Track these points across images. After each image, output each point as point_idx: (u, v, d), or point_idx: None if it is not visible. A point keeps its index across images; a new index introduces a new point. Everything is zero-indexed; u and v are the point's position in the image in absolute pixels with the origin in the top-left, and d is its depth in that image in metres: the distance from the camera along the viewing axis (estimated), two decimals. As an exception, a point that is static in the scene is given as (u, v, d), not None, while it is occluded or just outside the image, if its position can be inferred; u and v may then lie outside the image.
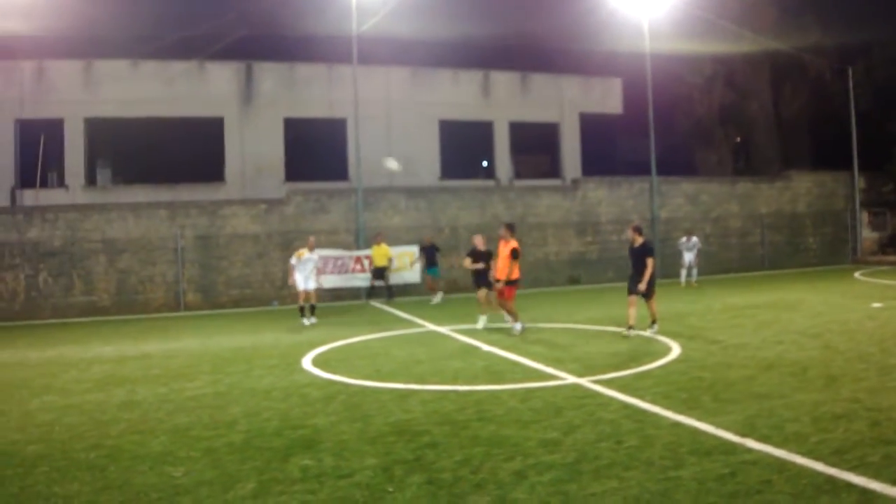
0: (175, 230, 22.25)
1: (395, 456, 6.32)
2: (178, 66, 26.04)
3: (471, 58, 30.03)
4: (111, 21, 25.47)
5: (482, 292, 15.22)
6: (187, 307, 22.14)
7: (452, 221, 24.99)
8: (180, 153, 25.78)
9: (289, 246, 22.17)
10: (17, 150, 25.29)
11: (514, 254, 13.74)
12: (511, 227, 14.36)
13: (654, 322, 13.21)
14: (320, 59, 27.12)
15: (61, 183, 25.38)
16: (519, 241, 14.90)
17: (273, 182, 25.43)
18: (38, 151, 25.88)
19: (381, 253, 22.24)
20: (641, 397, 8.07)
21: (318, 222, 23.58)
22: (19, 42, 24.30)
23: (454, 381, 9.44)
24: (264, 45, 27.80)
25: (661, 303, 14.07)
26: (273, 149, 25.98)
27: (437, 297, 21.61)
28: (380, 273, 22.32)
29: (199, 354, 12.95)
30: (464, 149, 29.57)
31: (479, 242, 15.61)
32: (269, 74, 26.71)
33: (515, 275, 13.86)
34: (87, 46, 26.07)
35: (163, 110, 25.36)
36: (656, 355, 10.82)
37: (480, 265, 15.32)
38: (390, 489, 5.51)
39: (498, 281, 13.91)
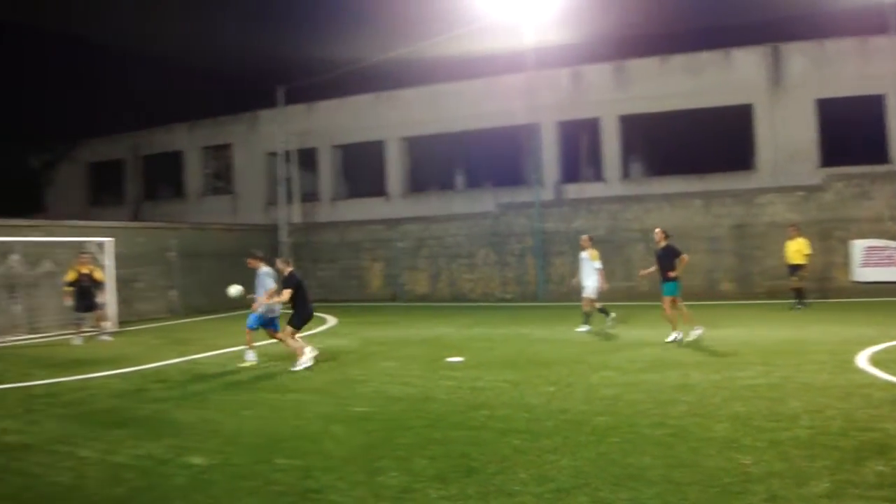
0: (710, 219, 22.56)
1: None
2: (704, 57, 26.20)
3: None
4: (640, 22, 26.57)
5: None
6: (722, 296, 22.31)
7: None
8: (709, 143, 25.97)
9: (828, 236, 21.02)
10: (560, 149, 27.89)
11: None
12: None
13: None
14: (852, 33, 25.05)
15: (599, 177, 27.31)
16: None
17: (806, 168, 24.23)
18: (578, 149, 28.27)
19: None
20: None
21: (860, 210, 21.92)
22: (558, 52, 26.73)
23: None
24: (791, 25, 26.58)
25: None
26: (805, 132, 24.72)
27: None
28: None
29: (745, 343, 13.02)
30: None
31: None
32: (797, 55, 25.44)
33: None
34: (618, 48, 27.56)
35: (691, 102, 25.71)
36: None
37: None
38: None
39: None
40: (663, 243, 14.07)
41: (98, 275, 17.93)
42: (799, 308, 18.97)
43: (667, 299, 13.90)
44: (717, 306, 20.56)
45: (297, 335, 12.55)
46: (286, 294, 12.06)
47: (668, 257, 13.88)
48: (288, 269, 12.53)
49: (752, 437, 6.94)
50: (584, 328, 16.06)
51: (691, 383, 9.58)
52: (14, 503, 6.01)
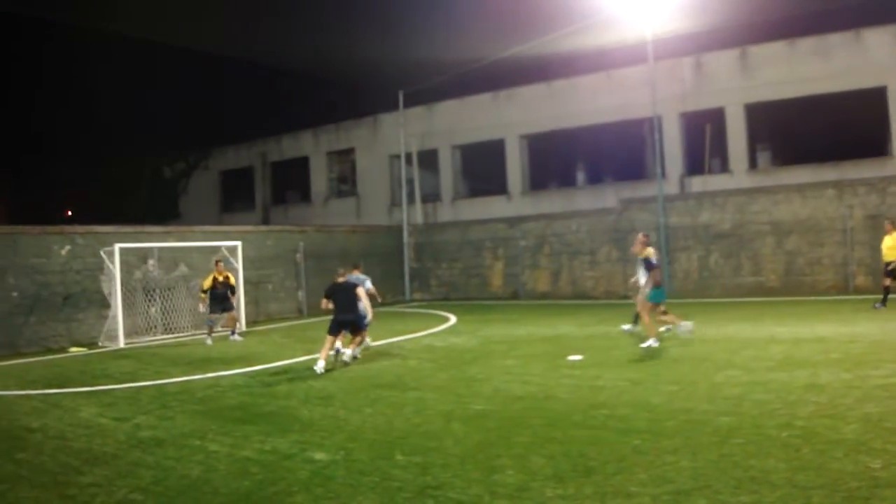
0: (843, 210, 21.63)
1: None
2: (833, 39, 25.05)
3: None
4: (763, 5, 25.57)
5: None
6: (856, 290, 21.33)
7: None
8: (841, 130, 24.81)
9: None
10: (683, 141, 27.29)
11: None
12: None
13: None
14: None
15: (725, 168, 26.56)
16: None
17: (951, 152, 22.84)
18: (703, 140, 27.59)
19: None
20: None
21: None
22: (679, 40, 26.11)
23: None
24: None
25: None
26: (946, 112, 23.27)
27: None
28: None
29: (879, 341, 12.46)
30: None
31: None
32: (933, 32, 23.98)
33: None
34: (742, 34, 26.69)
35: (820, 87, 24.63)
36: None
37: None
38: None
39: None
40: (643, 254, 13.53)
41: (232, 280, 18.80)
42: (878, 308, 17.55)
43: (647, 305, 13.44)
44: (852, 301, 19.71)
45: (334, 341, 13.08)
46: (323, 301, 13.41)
47: (646, 268, 13.46)
48: (339, 278, 13.47)
49: (883, 439, 6.69)
50: (627, 327, 15.56)
51: (821, 383, 9.27)
52: (146, 495, 6.37)
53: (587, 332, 16.08)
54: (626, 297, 24.82)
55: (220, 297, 18.18)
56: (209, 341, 17.91)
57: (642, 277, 14.06)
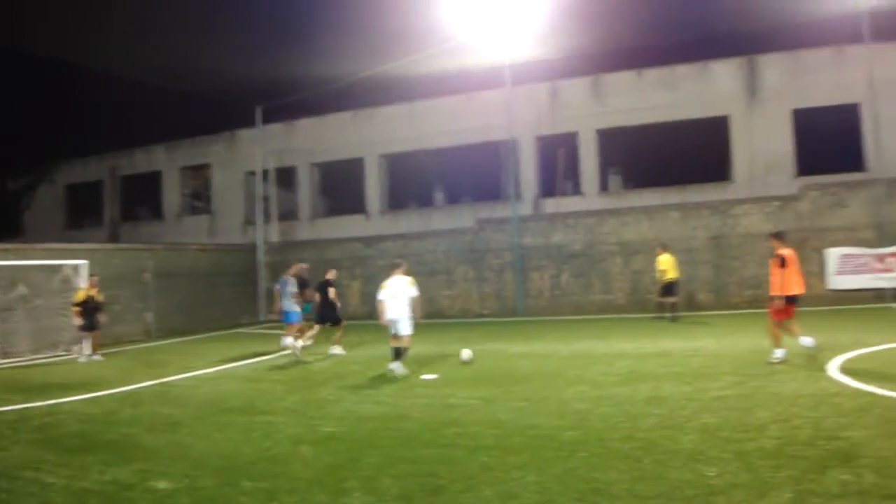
0: (687, 231, 22.69)
1: (946, 480, 5.70)
2: (681, 70, 26.38)
3: None
4: (616, 36, 26.67)
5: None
6: (698, 307, 22.37)
7: None
8: (687, 155, 26.09)
9: (803, 245, 21.11)
10: (538, 164, 27.96)
11: (782, 262, 11.47)
12: (778, 236, 12.12)
13: None
14: (826, 43, 25.28)
15: (577, 191, 27.38)
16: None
17: (783, 178, 24.37)
18: (557, 163, 28.37)
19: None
20: None
21: (834, 218, 22.14)
22: (535, 67, 26.84)
23: None
24: (766, 37, 26.77)
25: None
26: (781, 143, 24.86)
27: None
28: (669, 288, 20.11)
29: (718, 355, 13.03)
30: None
31: None
32: (773, 66, 25.62)
33: (790, 289, 11.57)
34: (595, 63, 27.69)
35: (668, 115, 25.85)
36: None
37: None
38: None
39: (772, 298, 11.66)
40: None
41: (99, 297, 18.37)
42: (663, 320, 19.49)
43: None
44: (694, 317, 20.65)
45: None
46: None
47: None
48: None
49: (718, 448, 6.94)
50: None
51: (662, 395, 9.57)
52: (-30, 534, 5.88)
53: (442, 351, 16.05)
54: (479, 315, 25.18)
55: (90, 313, 17.82)
56: (82, 360, 17.44)
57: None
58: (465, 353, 13.85)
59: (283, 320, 17.26)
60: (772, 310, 11.88)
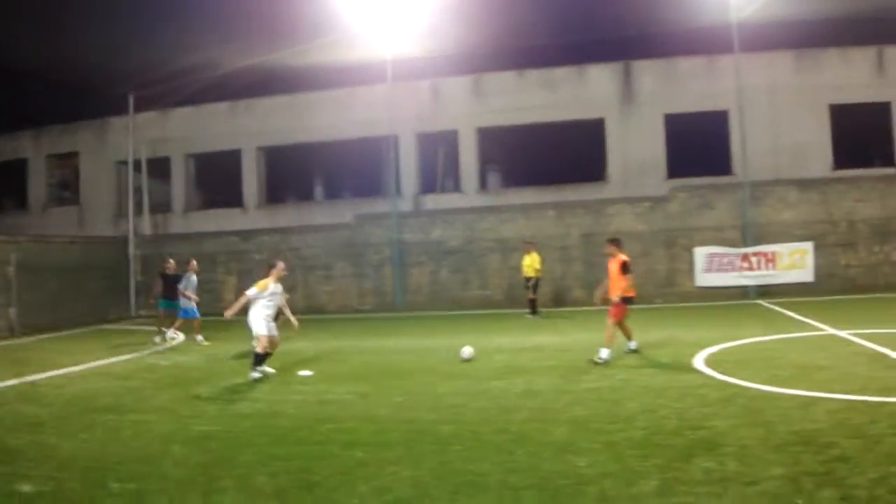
0: (562, 229, 23.20)
1: (802, 467, 5.94)
2: (560, 72, 26.95)
3: (862, 34, 26.85)
4: (497, 36, 26.93)
5: None
6: (573, 302, 22.91)
7: (848, 215, 22.98)
8: (564, 155, 26.70)
9: (673, 244, 21.95)
10: (419, 161, 28.01)
11: (625, 268, 12.19)
12: (616, 242, 12.82)
13: None
14: (699, 52, 26.38)
15: (457, 188, 27.57)
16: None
17: (655, 180, 25.27)
18: (437, 160, 28.49)
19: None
20: None
21: (702, 219, 23.16)
22: (418, 64, 26.85)
23: (862, 391, 8.62)
24: (642, 43, 27.67)
25: None
26: (654, 146, 25.79)
27: None
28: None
29: (591, 349, 13.28)
30: (858, 134, 26.68)
31: None
32: (647, 72, 26.55)
33: (630, 292, 12.30)
34: (477, 62, 27.92)
35: (546, 116, 26.33)
36: None
37: None
38: (799, 502, 5.22)
39: (613, 300, 12.26)
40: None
41: None
42: (530, 318, 19.95)
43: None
44: (569, 312, 21.14)
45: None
46: None
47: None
48: None
49: (589, 439, 7.06)
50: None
51: (536, 389, 9.70)
52: None
53: (320, 347, 15.81)
54: (358, 310, 25.03)
55: None
56: None
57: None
58: (466, 351, 12.99)
59: (182, 315, 17.64)
60: (613, 311, 12.13)
